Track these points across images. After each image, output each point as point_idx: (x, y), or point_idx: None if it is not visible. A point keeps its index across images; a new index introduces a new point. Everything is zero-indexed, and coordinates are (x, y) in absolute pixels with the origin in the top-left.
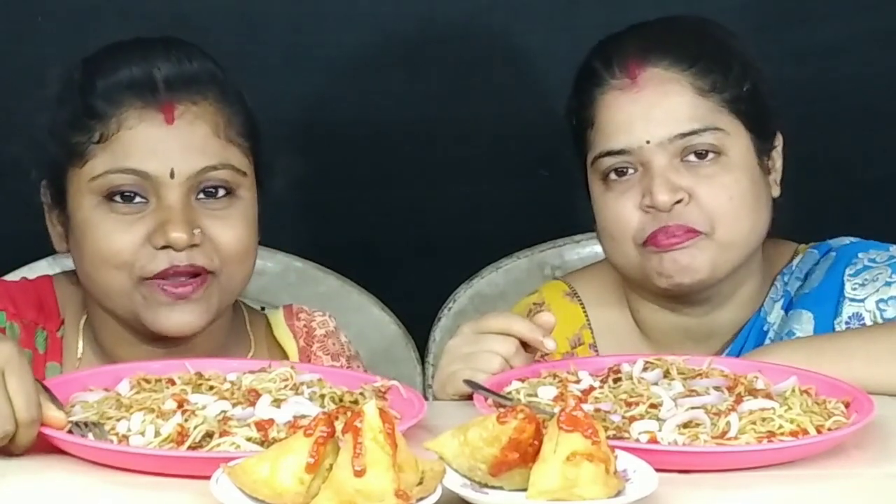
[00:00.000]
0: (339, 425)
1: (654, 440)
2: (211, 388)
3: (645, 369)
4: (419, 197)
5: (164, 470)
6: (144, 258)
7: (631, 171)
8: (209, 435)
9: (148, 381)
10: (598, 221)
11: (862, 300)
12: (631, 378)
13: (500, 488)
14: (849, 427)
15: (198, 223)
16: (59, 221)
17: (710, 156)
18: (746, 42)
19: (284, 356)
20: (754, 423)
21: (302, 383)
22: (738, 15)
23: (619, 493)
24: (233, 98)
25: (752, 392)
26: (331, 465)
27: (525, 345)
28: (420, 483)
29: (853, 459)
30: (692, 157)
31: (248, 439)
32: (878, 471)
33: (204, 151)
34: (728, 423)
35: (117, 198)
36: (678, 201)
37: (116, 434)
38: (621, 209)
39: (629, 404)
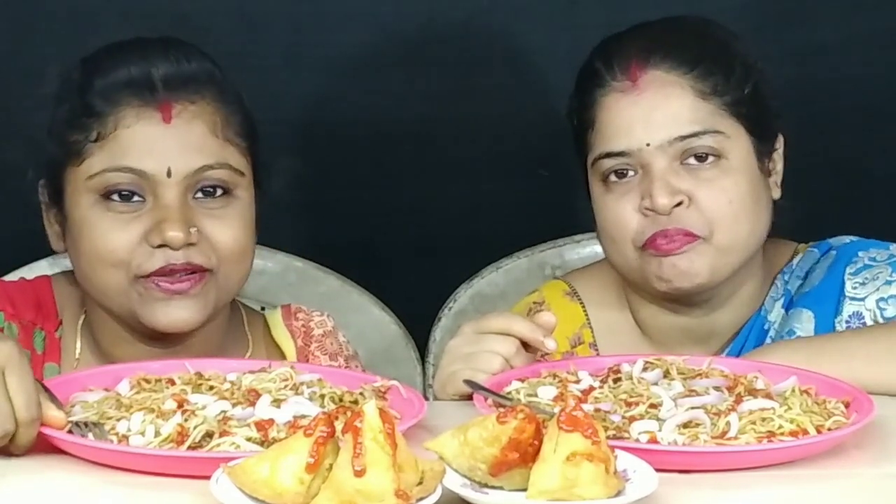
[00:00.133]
0: (339, 425)
1: (654, 440)
2: (211, 388)
3: (645, 369)
4: (419, 197)
5: (164, 470)
6: (141, 256)
7: (631, 173)
8: (209, 435)
9: (148, 381)
10: (598, 223)
11: (862, 299)
12: (631, 378)
13: (500, 488)
14: (849, 427)
15: (194, 222)
16: (56, 221)
17: (710, 159)
18: (748, 43)
19: (282, 356)
20: (754, 423)
21: (302, 383)
22: (738, 15)
23: (619, 493)
24: (231, 98)
25: (752, 392)
26: (331, 465)
27: (526, 345)
28: (420, 483)
29: (853, 459)
30: (692, 161)
31: (248, 439)
32: (878, 471)
33: (201, 150)
34: (728, 423)
35: (114, 196)
36: (678, 204)
37: (116, 434)
38: (621, 211)
39: (629, 404)
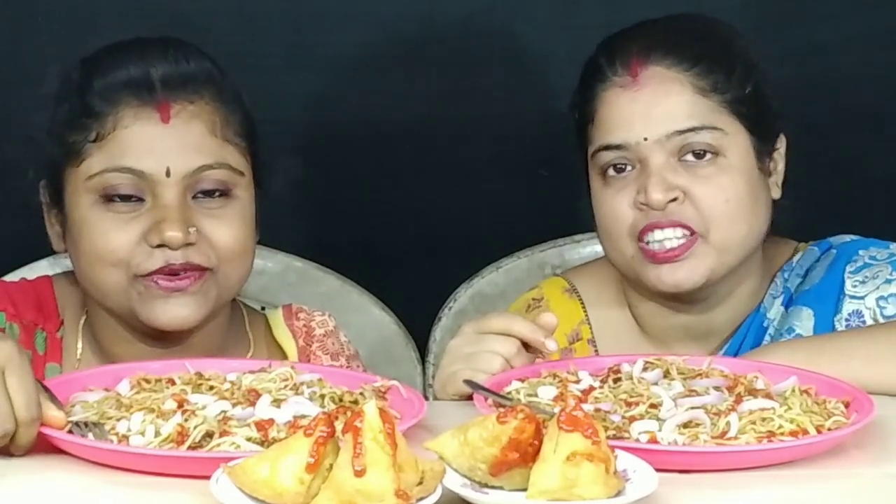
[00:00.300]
0: (339, 425)
1: (654, 440)
2: (211, 388)
3: (645, 369)
4: (419, 197)
5: (164, 470)
6: (140, 256)
7: (629, 167)
8: (209, 435)
9: (148, 381)
10: (596, 218)
11: (862, 297)
12: (631, 378)
13: (500, 488)
14: (849, 427)
15: (194, 222)
16: (57, 221)
17: (708, 156)
18: (752, 42)
19: (283, 356)
20: (754, 423)
21: (302, 383)
22: (738, 15)
23: (619, 493)
24: (230, 98)
25: (752, 392)
26: (331, 465)
27: (526, 345)
28: (420, 483)
29: (853, 459)
30: (689, 157)
31: (248, 439)
32: (878, 471)
33: (200, 150)
34: (728, 423)
35: (114, 197)
36: (673, 199)
37: (116, 434)
38: (617, 205)
39: (629, 404)
